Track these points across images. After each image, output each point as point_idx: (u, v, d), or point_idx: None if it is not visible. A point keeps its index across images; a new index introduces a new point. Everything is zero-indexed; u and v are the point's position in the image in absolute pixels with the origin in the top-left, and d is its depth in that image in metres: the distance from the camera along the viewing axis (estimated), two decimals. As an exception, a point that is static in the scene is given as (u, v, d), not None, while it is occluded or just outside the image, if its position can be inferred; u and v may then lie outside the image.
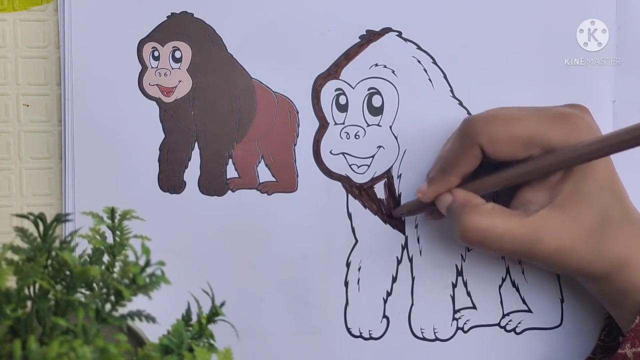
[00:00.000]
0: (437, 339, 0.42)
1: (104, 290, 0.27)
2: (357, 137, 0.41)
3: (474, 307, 0.42)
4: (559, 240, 0.34)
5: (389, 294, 0.42)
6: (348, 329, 0.42)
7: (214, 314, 0.31)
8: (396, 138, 0.41)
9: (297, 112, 0.41)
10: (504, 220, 0.34)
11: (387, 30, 0.41)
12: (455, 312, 0.42)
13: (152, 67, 0.40)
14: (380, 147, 0.41)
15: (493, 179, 0.36)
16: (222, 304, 0.31)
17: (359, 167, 0.41)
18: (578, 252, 0.34)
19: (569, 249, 0.34)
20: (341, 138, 0.41)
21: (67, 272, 0.28)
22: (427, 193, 0.37)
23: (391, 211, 0.41)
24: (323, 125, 0.41)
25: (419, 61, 0.41)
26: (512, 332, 0.42)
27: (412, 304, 0.42)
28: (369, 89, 0.41)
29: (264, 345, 0.41)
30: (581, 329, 0.42)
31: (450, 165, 0.36)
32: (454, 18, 0.41)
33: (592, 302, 0.40)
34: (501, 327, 0.42)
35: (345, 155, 0.41)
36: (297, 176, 0.41)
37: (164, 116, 0.41)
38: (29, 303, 0.27)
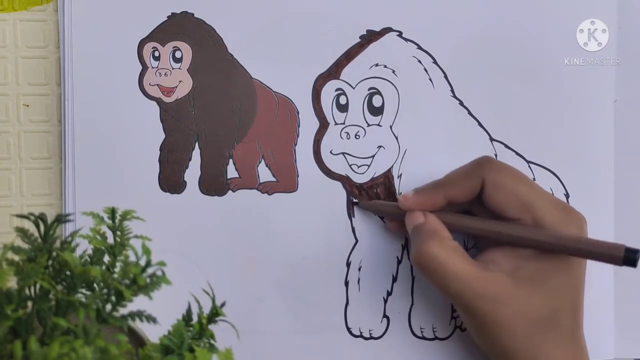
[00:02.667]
0: (436, 337, 0.42)
1: (105, 291, 0.27)
2: (357, 137, 0.41)
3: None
4: (501, 309, 0.34)
5: (389, 293, 0.42)
6: (348, 329, 0.42)
7: (214, 314, 0.31)
8: (396, 138, 0.41)
9: (298, 112, 0.41)
10: (462, 263, 0.34)
11: (387, 30, 0.41)
12: (453, 311, 0.42)
13: (152, 67, 0.40)
14: (380, 147, 0.41)
15: (471, 222, 0.36)
16: (223, 304, 0.31)
17: (359, 167, 0.41)
18: (510, 332, 0.34)
19: (504, 323, 0.34)
20: (341, 138, 0.41)
21: (68, 273, 0.28)
22: (410, 200, 0.37)
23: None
24: (323, 125, 0.41)
25: (419, 61, 0.41)
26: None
27: (412, 304, 0.42)
28: (369, 89, 0.41)
29: (264, 345, 0.41)
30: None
31: (446, 184, 0.37)
32: (455, 18, 0.41)
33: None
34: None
35: (346, 155, 0.41)
36: (298, 176, 0.41)
37: (164, 116, 0.41)
38: (29, 303, 0.27)
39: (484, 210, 0.37)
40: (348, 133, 0.41)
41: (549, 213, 0.34)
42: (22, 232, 0.29)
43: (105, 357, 0.25)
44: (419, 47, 0.41)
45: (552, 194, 0.42)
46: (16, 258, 0.28)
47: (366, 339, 0.42)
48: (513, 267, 0.35)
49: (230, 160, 0.41)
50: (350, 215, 0.41)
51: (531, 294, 0.34)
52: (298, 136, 0.41)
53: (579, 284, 0.35)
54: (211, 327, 0.31)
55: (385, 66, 0.41)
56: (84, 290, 0.28)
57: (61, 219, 0.29)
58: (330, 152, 0.41)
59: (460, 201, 0.37)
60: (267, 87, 0.41)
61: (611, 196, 0.42)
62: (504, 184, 0.35)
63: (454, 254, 0.35)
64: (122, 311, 0.27)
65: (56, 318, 0.26)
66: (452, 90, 0.41)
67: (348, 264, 0.41)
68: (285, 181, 0.41)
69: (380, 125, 0.41)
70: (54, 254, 0.28)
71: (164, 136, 0.41)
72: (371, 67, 0.41)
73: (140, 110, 0.40)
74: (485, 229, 0.36)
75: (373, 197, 0.41)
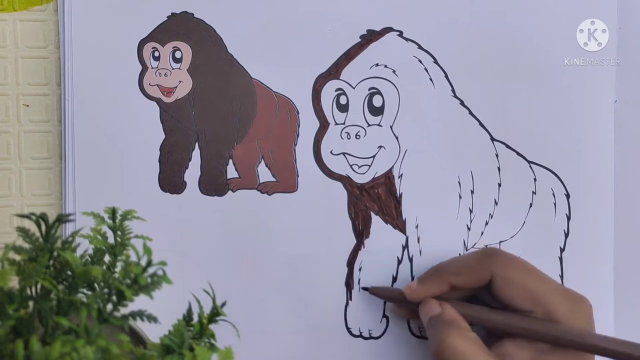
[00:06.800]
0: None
1: (106, 290, 0.27)
2: (357, 137, 0.41)
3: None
4: None
5: (389, 293, 0.42)
6: (348, 329, 0.42)
7: (215, 313, 0.31)
8: (397, 138, 0.41)
9: (298, 112, 0.41)
10: (484, 358, 0.34)
11: (387, 29, 0.41)
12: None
13: (152, 67, 0.40)
14: (381, 147, 0.41)
15: (486, 313, 0.36)
16: (223, 304, 0.31)
17: (359, 167, 0.41)
18: None
19: None
20: (342, 138, 0.41)
21: (69, 272, 0.28)
22: (416, 291, 0.37)
23: (392, 211, 0.41)
24: (323, 125, 0.41)
25: (420, 61, 0.41)
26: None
27: (412, 304, 0.42)
28: (369, 89, 0.41)
29: (264, 345, 0.41)
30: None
31: (451, 272, 0.37)
32: (455, 18, 0.41)
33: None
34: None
35: (346, 155, 0.41)
36: (298, 176, 0.41)
37: (164, 116, 0.41)
38: (31, 303, 0.27)
39: (491, 297, 0.37)
40: (348, 133, 0.41)
41: (560, 306, 0.34)
42: (24, 232, 0.29)
43: (106, 356, 0.25)
44: (420, 47, 0.41)
45: (553, 195, 0.42)
46: (17, 258, 0.28)
47: (366, 339, 0.42)
48: None
49: (230, 161, 0.41)
50: (351, 215, 0.41)
51: None
52: (298, 136, 0.41)
53: None
54: (211, 326, 0.31)
55: (385, 66, 0.41)
56: (85, 290, 0.28)
57: (62, 218, 0.29)
58: (331, 152, 0.41)
59: (464, 288, 0.37)
60: (267, 87, 0.41)
61: (611, 196, 0.42)
62: (513, 279, 0.35)
63: (475, 347, 0.34)
64: (123, 311, 0.27)
65: (57, 317, 0.26)
66: (453, 90, 0.41)
67: (349, 265, 0.41)
68: (285, 181, 0.41)
69: (381, 125, 0.41)
70: (55, 253, 0.28)
71: (164, 136, 0.41)
72: (371, 67, 0.41)
73: (140, 110, 0.40)
74: (503, 323, 0.35)
75: (374, 197, 0.41)
